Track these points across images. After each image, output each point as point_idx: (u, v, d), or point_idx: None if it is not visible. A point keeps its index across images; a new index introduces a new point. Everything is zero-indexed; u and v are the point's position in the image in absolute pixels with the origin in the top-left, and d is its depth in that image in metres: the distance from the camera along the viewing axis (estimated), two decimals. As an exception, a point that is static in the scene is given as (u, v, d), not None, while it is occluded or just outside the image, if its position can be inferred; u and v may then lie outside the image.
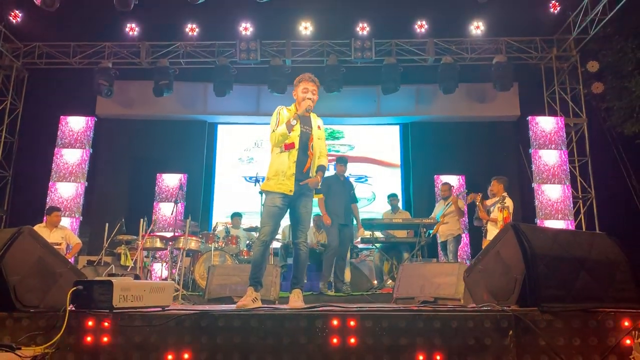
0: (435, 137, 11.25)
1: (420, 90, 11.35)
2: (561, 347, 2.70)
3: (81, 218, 10.31)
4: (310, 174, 4.16)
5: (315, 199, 4.37)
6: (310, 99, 4.18)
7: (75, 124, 10.77)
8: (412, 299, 5.78)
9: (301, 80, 4.27)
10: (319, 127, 4.28)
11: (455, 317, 2.77)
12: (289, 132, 4.04)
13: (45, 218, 8.07)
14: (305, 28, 10.33)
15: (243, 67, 10.66)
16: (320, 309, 3.17)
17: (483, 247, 7.22)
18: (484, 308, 3.02)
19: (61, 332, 2.72)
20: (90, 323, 2.80)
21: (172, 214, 8.25)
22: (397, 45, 10.60)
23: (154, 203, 10.69)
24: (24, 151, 10.92)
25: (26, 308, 2.98)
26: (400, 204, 9.55)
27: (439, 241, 8.58)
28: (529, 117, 10.60)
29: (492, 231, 7.04)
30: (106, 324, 2.78)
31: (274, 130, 4.10)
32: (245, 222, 9.53)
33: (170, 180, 10.75)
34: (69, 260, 5.80)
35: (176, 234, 7.83)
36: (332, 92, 9.99)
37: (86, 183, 10.53)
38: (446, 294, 5.56)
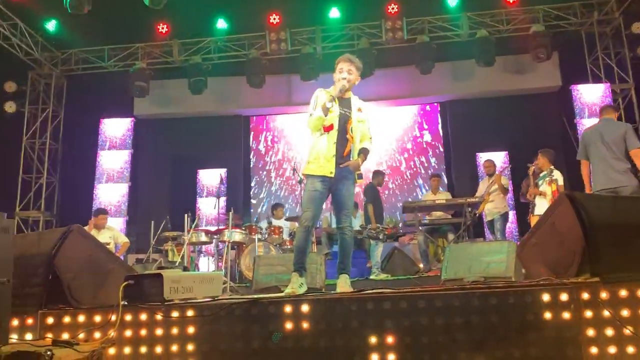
0: (475, 113, 10.94)
1: (456, 67, 11.05)
2: (627, 318, 2.58)
3: (127, 218, 10.54)
4: (351, 158, 4.08)
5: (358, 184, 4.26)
6: (345, 78, 4.07)
7: (115, 126, 11.02)
8: (460, 280, 5.68)
9: (338, 61, 4.17)
10: (360, 109, 4.17)
11: (512, 293, 2.68)
12: (325, 115, 3.97)
13: (91, 219, 8.25)
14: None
15: (274, 57, 10.62)
16: (371, 292, 3.12)
17: (530, 222, 7.03)
18: (542, 282, 2.90)
19: (116, 326, 2.76)
20: (143, 316, 2.84)
21: (214, 208, 8.32)
22: (429, 23, 10.35)
23: (196, 199, 10.85)
24: (68, 156, 11.24)
25: (81, 305, 3.05)
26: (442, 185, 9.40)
27: (485, 220, 8.38)
28: (572, 86, 10.21)
29: (540, 206, 6.84)
30: (159, 316, 2.81)
31: (311, 115, 4.03)
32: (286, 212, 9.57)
33: (211, 176, 10.85)
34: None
35: (220, 227, 7.90)
36: (365, 76, 9.81)
37: (130, 183, 10.75)
38: (496, 273, 5.41)
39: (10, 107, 10.58)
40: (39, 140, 10.96)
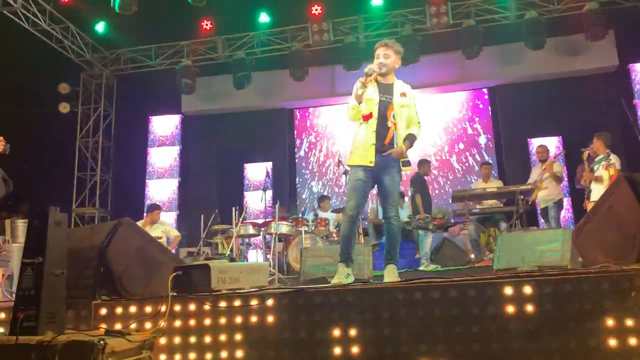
0: (525, 98, 10.55)
1: (505, 50, 10.66)
2: (696, 306, 2.41)
3: (178, 212, 10.80)
4: (395, 145, 3.98)
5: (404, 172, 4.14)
6: (381, 63, 3.98)
7: (164, 123, 11.32)
8: (513, 270, 5.49)
9: (375, 48, 4.10)
10: (403, 94, 4.05)
11: (568, 281, 2.55)
12: (358, 103, 3.90)
13: (145, 215, 8.49)
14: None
15: (316, 49, 10.57)
16: (418, 281, 3.05)
17: (587, 209, 6.73)
18: (600, 269, 2.75)
19: (165, 316, 2.80)
20: (192, 306, 2.87)
21: (261, 201, 8.42)
22: (475, 6, 10.02)
23: (244, 193, 10.99)
24: (120, 154, 11.60)
25: (132, 296, 3.12)
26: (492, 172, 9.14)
27: (538, 208, 8.10)
28: (630, 66, 9.70)
29: (596, 191, 6.54)
30: (207, 306, 2.84)
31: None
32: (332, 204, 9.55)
33: (257, 170, 10.98)
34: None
35: (267, 220, 7.98)
36: (410, 63, 9.61)
37: (179, 179, 11.01)
38: (551, 262, 5.19)
39: (64, 107, 11.00)
40: (92, 139, 11.35)
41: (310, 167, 11.79)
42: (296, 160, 11.88)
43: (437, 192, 10.88)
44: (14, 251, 5.47)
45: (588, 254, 3.17)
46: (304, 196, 11.64)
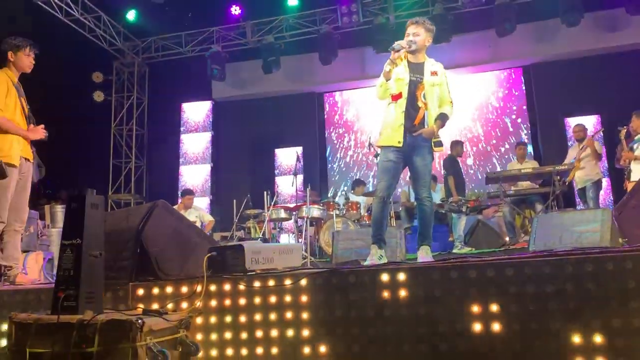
0: (562, 76, 10.24)
1: (540, 27, 10.34)
2: None
3: (211, 197, 10.92)
4: (426, 126, 3.91)
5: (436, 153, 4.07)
6: (411, 40, 3.91)
7: (195, 109, 11.42)
8: (550, 252, 5.37)
9: (406, 27, 4.03)
10: (434, 72, 3.97)
11: (610, 259, 2.46)
12: (387, 80, 3.85)
13: (179, 200, 8.63)
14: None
15: (346, 31, 10.46)
16: (454, 260, 3.00)
17: (627, 190, 6.52)
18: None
19: (201, 296, 2.84)
20: (227, 286, 2.90)
21: (292, 185, 8.45)
22: (509, -19, 9.75)
23: (274, 178, 11.04)
24: (153, 140, 11.79)
25: (168, 276, 3.16)
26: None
27: (575, 188, 7.89)
28: (674, 40, 9.30)
29: (637, 171, 6.33)
30: (242, 286, 2.86)
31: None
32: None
33: (288, 154, 11.01)
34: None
35: (298, 204, 8.00)
36: (442, 42, 9.41)
37: (211, 164, 11.12)
38: (590, 243, 5.06)
39: (98, 96, 11.23)
40: (126, 126, 11.56)
41: (339, 162, 11.71)
42: (326, 145, 11.84)
43: (472, 186, 10.65)
44: (53, 235, 5.66)
45: (630, 232, 3.07)
46: (330, 194, 11.54)
